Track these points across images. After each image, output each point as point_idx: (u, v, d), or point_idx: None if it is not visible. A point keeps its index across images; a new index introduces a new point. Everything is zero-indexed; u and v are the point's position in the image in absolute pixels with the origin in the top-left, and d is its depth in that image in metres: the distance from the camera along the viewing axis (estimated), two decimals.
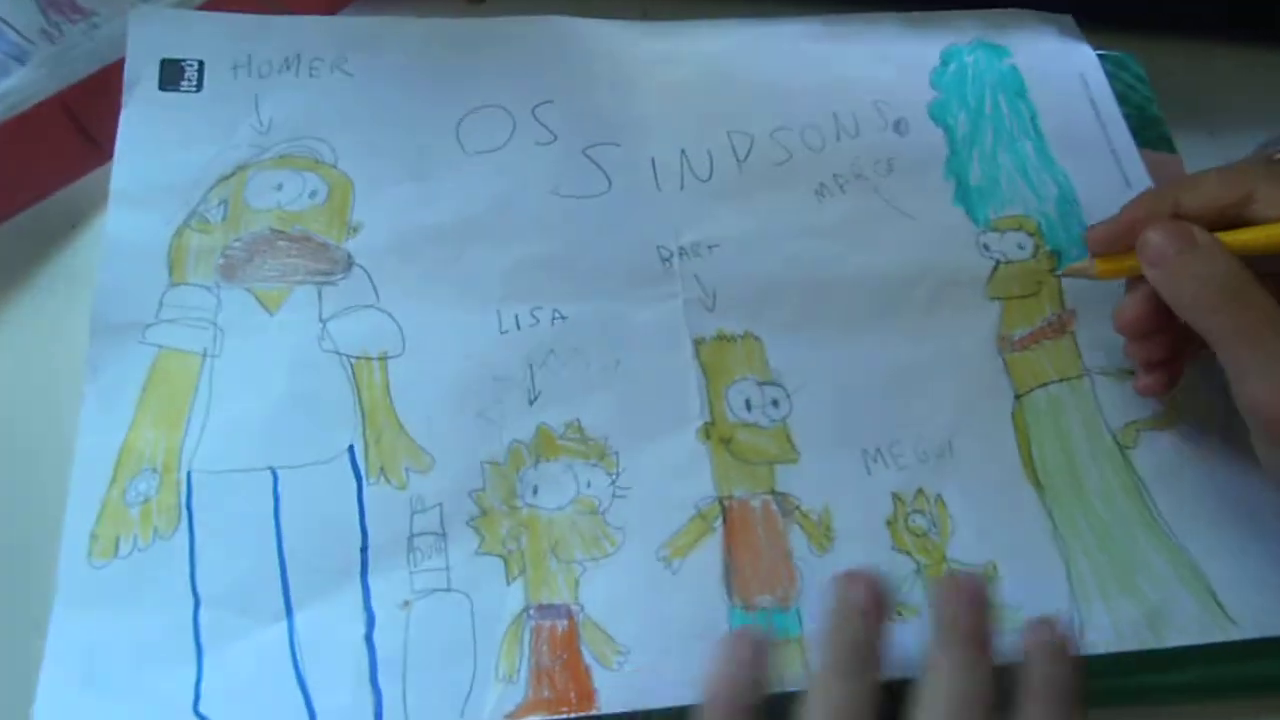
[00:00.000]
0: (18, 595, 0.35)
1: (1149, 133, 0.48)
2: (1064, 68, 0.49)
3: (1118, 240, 0.39)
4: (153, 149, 0.43)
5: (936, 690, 0.31)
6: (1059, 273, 0.43)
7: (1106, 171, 0.46)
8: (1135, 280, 0.39)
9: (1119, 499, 0.39)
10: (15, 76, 0.41)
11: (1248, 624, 0.36)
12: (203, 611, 0.34)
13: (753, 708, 0.32)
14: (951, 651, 0.31)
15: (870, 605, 0.32)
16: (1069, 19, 0.51)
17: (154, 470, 0.36)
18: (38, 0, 0.41)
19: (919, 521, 0.38)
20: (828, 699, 0.31)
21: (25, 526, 0.36)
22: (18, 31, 0.41)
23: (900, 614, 0.36)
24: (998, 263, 0.44)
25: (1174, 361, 0.40)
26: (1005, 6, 0.51)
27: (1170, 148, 0.48)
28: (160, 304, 0.40)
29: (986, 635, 0.32)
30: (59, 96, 0.42)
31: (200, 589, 0.34)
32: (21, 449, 0.38)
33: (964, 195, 0.45)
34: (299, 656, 0.34)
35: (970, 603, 0.32)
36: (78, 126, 0.43)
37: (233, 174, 0.43)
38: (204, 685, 0.33)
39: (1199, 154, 0.48)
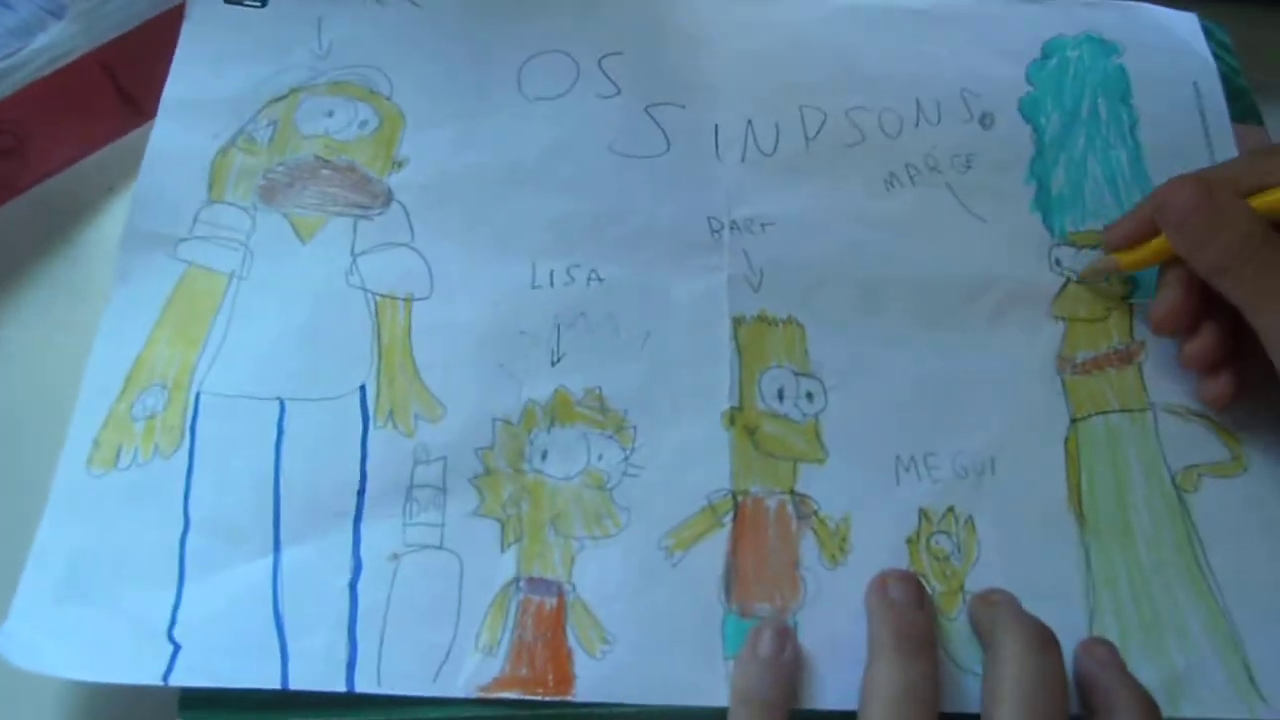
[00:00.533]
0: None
1: (1234, 103, 0.45)
2: (1177, 73, 0.45)
3: (1138, 234, 0.38)
4: (209, 62, 0.42)
5: (1009, 672, 0.30)
6: (1077, 279, 0.40)
7: None
8: (1166, 270, 0.38)
9: (1167, 547, 0.36)
10: (51, 31, 0.39)
11: None
12: (191, 536, 0.33)
13: (786, 708, 0.31)
14: (1016, 633, 0.31)
15: (915, 598, 0.33)
16: (1193, 19, 0.47)
17: (164, 387, 0.36)
18: None
19: (943, 543, 0.35)
20: (890, 681, 0.30)
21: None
22: None
23: None
24: (1068, 280, 0.40)
25: (1234, 360, 0.37)
26: None
27: (1257, 118, 0.45)
28: (195, 220, 0.39)
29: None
30: (96, 53, 0.41)
31: (192, 513, 0.34)
32: (54, 417, 0.36)
33: (1043, 202, 0.42)
34: (280, 595, 0.33)
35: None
36: (116, 85, 0.42)
37: (285, 96, 0.42)
38: (180, 611, 0.32)
39: None
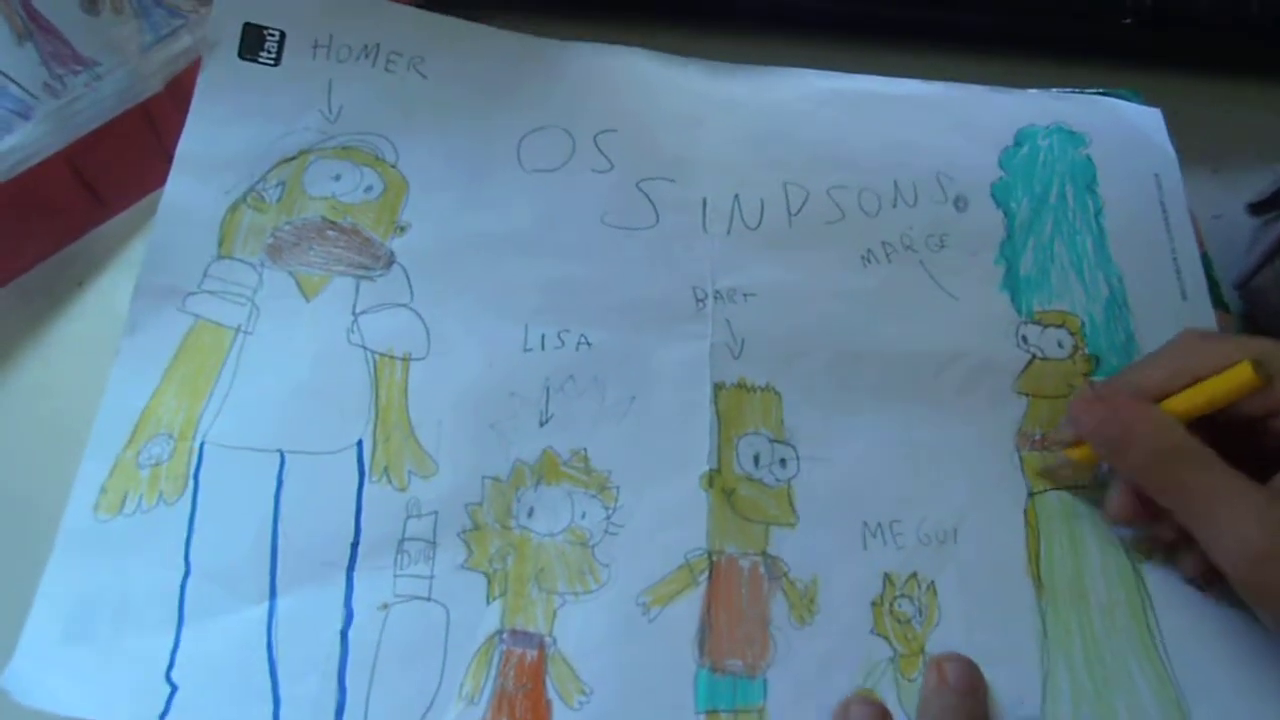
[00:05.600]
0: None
1: None
2: (1140, 165, 0.48)
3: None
4: (222, 120, 0.44)
5: (931, 708, 0.33)
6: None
7: (1164, 279, 0.45)
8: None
9: (1120, 616, 0.38)
10: (19, 133, 0.40)
11: None
12: (191, 581, 0.35)
13: None
14: (944, 690, 0.34)
15: None
16: (1157, 114, 0.49)
17: (170, 436, 0.38)
18: (39, 52, 0.40)
19: (905, 607, 0.37)
20: None
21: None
22: (21, 86, 0.39)
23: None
24: (1033, 358, 0.43)
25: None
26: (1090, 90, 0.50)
27: None
28: (205, 274, 0.41)
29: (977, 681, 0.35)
30: (63, 153, 0.42)
31: (193, 559, 0.36)
32: (29, 524, 0.37)
33: (1012, 282, 0.44)
34: (274, 641, 0.34)
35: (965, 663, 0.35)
36: (83, 182, 0.42)
37: (295, 157, 0.44)
38: (179, 653, 0.34)
39: (1204, 192, 0.49)
